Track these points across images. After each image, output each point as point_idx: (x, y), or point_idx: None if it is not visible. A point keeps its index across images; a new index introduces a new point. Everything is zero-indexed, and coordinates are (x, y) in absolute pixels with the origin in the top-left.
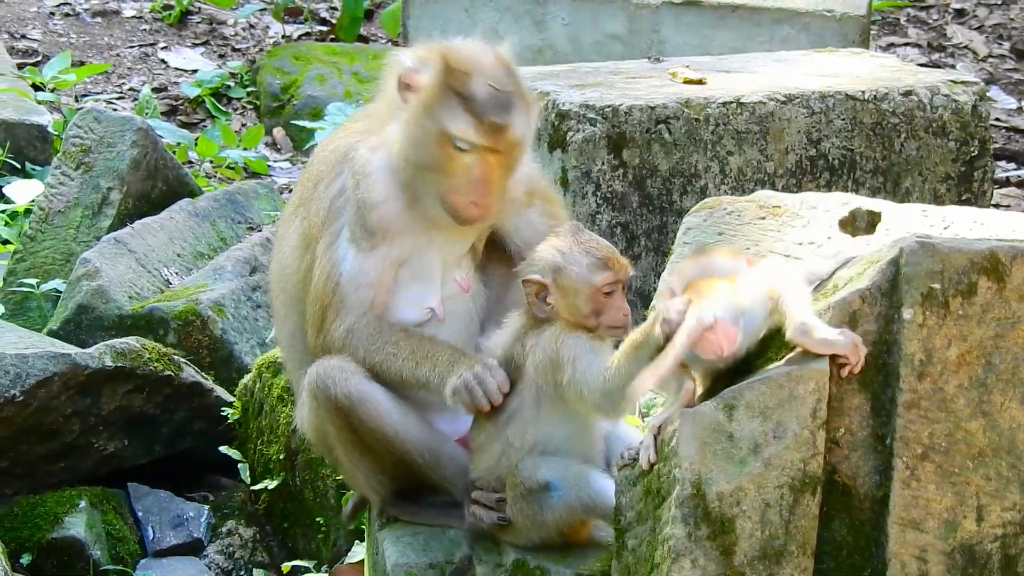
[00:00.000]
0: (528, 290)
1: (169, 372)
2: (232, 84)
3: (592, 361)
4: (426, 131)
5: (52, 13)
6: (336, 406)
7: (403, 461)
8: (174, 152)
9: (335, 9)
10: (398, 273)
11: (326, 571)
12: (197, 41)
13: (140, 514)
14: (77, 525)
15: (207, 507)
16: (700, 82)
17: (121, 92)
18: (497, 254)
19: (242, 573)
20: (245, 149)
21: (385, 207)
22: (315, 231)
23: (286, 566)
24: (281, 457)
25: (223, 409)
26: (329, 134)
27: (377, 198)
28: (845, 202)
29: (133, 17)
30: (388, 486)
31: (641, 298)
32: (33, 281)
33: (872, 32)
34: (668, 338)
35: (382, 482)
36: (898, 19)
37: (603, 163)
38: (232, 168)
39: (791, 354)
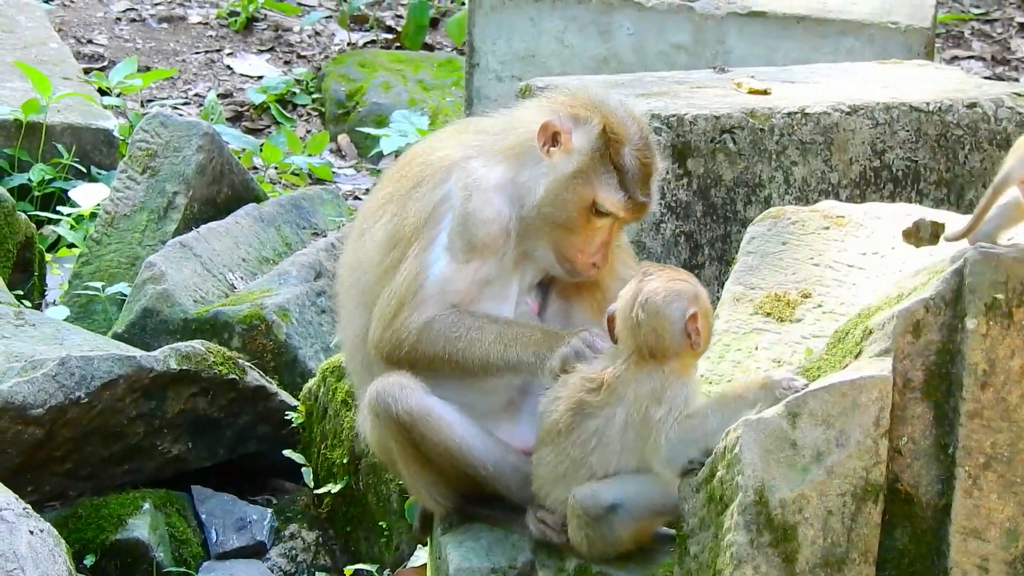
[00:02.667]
0: (691, 326)
1: (233, 376)
2: (297, 91)
3: (687, 413)
4: (575, 194)
5: (118, 18)
6: (398, 423)
7: (466, 474)
8: (239, 158)
9: (400, 17)
10: (480, 290)
11: (389, 575)
12: (263, 48)
13: (203, 516)
14: (141, 527)
15: (270, 510)
16: (765, 92)
17: (187, 98)
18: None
19: None
20: (310, 155)
21: (493, 226)
22: (408, 231)
23: (348, 570)
24: (344, 461)
25: (287, 413)
26: (429, 139)
27: (488, 216)
28: (909, 213)
29: (199, 23)
30: (451, 498)
31: None
32: (98, 284)
33: (936, 45)
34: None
35: (445, 495)
36: (962, 32)
37: (668, 172)
38: (297, 174)
39: (855, 362)
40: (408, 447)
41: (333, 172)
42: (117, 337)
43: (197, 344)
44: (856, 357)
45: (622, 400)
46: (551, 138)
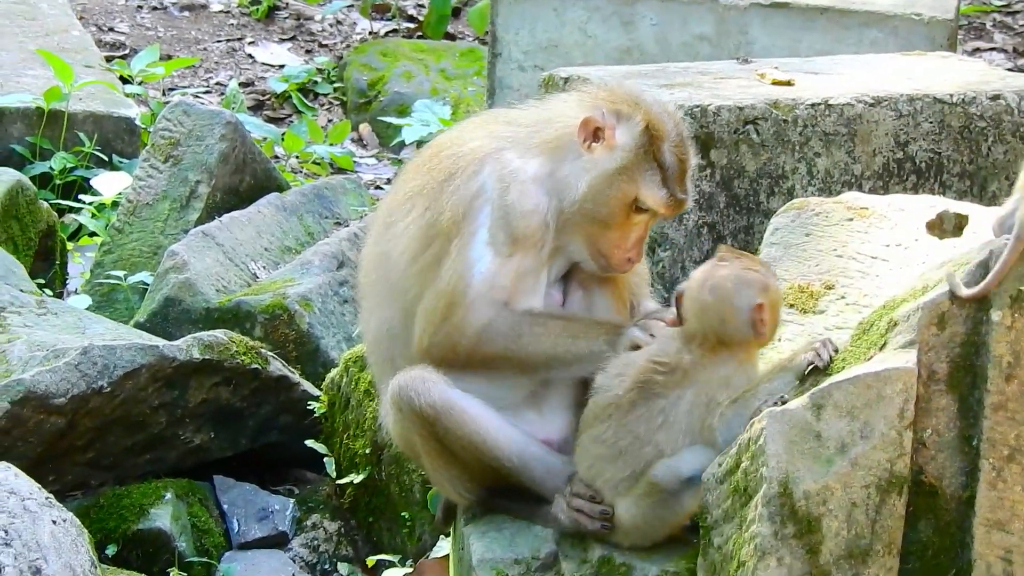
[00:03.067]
0: (757, 316)
1: (256, 365)
2: (319, 80)
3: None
4: (619, 190)
5: (140, 6)
6: (421, 417)
7: (491, 466)
8: (261, 147)
9: (422, 6)
10: (521, 283)
11: (411, 565)
12: (284, 36)
13: (225, 506)
14: (163, 517)
15: (292, 500)
16: (788, 83)
17: (208, 86)
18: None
19: (327, 567)
20: (331, 145)
21: (534, 219)
22: (445, 226)
23: (371, 560)
24: (367, 451)
25: (309, 403)
26: (456, 129)
27: (528, 208)
28: (932, 205)
29: (220, 12)
30: (475, 491)
31: None
32: (120, 273)
33: (958, 37)
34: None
35: (469, 487)
36: (984, 24)
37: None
38: (318, 163)
39: (880, 354)
40: (432, 440)
41: (354, 161)
42: (139, 326)
43: (220, 334)
44: (881, 349)
45: (694, 382)
46: (592, 134)
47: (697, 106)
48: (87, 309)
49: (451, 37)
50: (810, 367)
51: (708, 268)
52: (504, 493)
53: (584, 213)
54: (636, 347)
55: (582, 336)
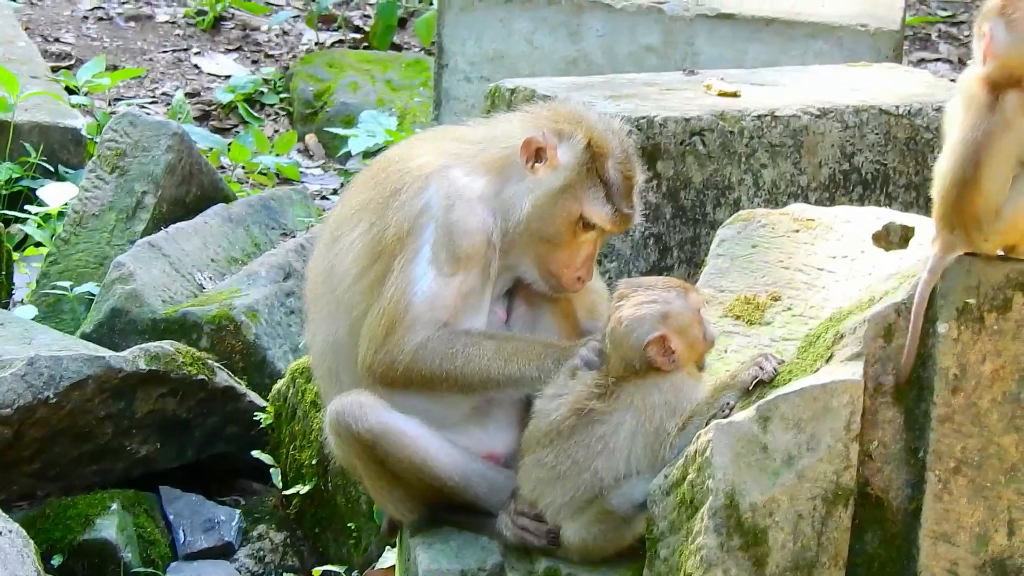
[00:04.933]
0: (654, 351)
1: (203, 376)
2: (265, 90)
3: (686, 418)
4: (563, 208)
5: (86, 17)
6: (360, 441)
7: (432, 486)
8: (207, 157)
9: (369, 17)
10: (464, 303)
11: None
12: (230, 47)
13: (171, 517)
14: (109, 527)
15: (238, 511)
16: (734, 95)
17: (154, 97)
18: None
19: None
20: (278, 155)
21: (477, 237)
22: (390, 243)
23: (317, 571)
24: (313, 462)
25: (256, 414)
26: (404, 145)
27: (472, 226)
28: (879, 216)
29: (167, 22)
30: (418, 510)
31: None
32: (66, 284)
33: (904, 47)
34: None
35: (412, 507)
36: (929, 35)
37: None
38: (264, 174)
39: (826, 366)
40: (372, 464)
41: (301, 172)
42: (85, 337)
43: (166, 344)
44: (827, 361)
45: (630, 407)
46: (534, 154)
47: (644, 117)
48: (33, 319)
49: (397, 48)
50: (755, 380)
51: (611, 309)
52: (449, 507)
53: (531, 232)
54: (575, 373)
55: (514, 359)
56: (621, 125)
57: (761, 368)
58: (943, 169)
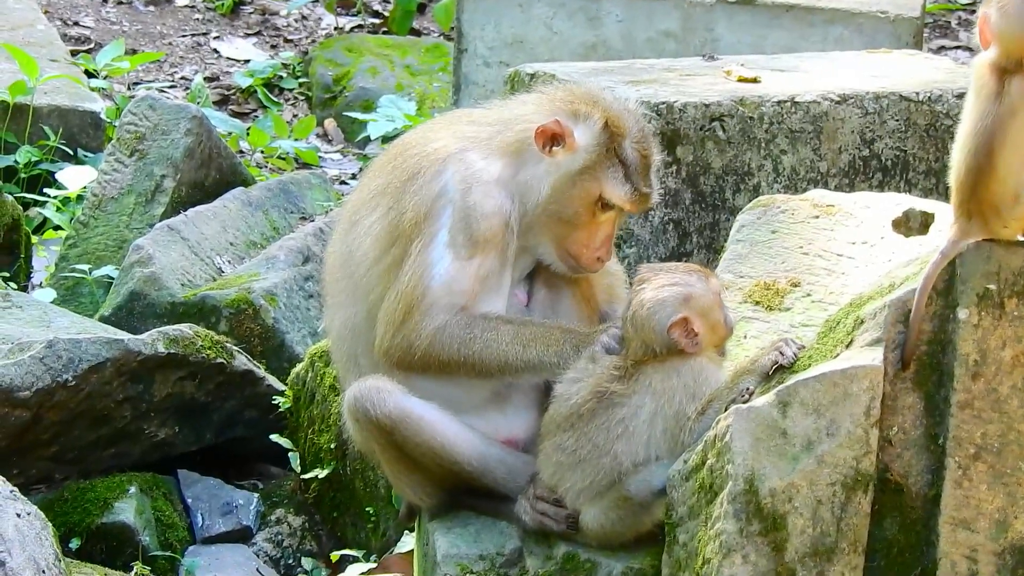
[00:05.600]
0: (677, 333)
1: (221, 360)
2: (284, 75)
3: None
4: (582, 189)
5: (105, 1)
6: (378, 427)
7: (451, 471)
8: (226, 141)
9: (388, 2)
10: (482, 286)
11: (375, 561)
12: (249, 31)
13: (189, 501)
14: (127, 511)
15: (256, 495)
16: (754, 80)
17: (173, 81)
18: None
19: (290, 561)
20: (296, 140)
21: (495, 220)
22: (407, 226)
23: (335, 555)
24: (332, 446)
25: (274, 398)
26: (421, 129)
27: (489, 210)
28: (898, 203)
29: (186, 6)
30: (437, 495)
31: None
32: (85, 267)
33: (923, 34)
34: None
35: (431, 492)
36: (949, 22)
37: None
38: (283, 158)
39: (846, 351)
40: (391, 449)
41: (319, 156)
42: (104, 320)
43: (185, 328)
44: (847, 346)
45: (650, 390)
46: (551, 139)
47: (663, 103)
48: (52, 303)
49: (416, 33)
50: (775, 366)
51: (630, 295)
52: (467, 492)
53: (549, 214)
54: (598, 360)
55: (533, 345)
56: (637, 106)
57: (781, 353)
58: (957, 158)
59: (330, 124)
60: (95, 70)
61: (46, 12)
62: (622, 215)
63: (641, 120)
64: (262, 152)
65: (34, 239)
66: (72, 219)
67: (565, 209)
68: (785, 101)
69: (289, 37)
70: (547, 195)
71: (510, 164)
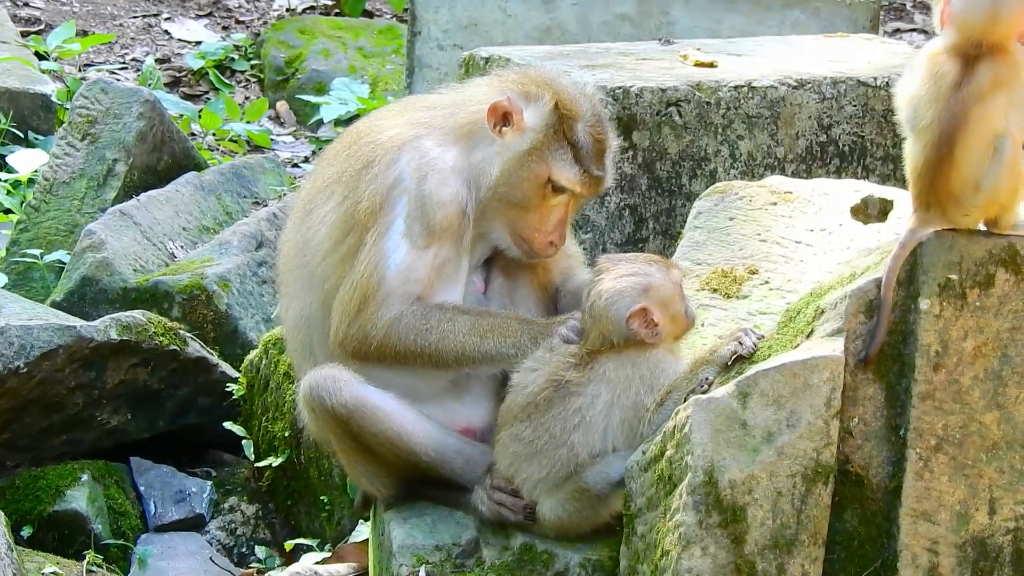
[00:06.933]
0: (636, 323)
1: (174, 347)
2: (236, 57)
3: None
4: (530, 171)
5: None
6: (334, 416)
7: (408, 461)
8: (177, 124)
9: None
10: (438, 275)
11: (329, 550)
12: (201, 13)
13: (142, 489)
14: (79, 499)
15: (210, 483)
16: (711, 65)
17: (124, 63)
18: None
19: (244, 550)
20: (248, 122)
21: (451, 209)
22: (362, 216)
23: (289, 544)
24: (286, 435)
25: (228, 385)
26: (375, 116)
27: (445, 198)
28: (857, 189)
29: None
30: (393, 485)
31: None
32: (37, 252)
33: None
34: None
35: (387, 483)
36: (904, 4)
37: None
38: (235, 141)
39: (806, 341)
40: (346, 439)
41: (272, 139)
42: (55, 305)
43: (138, 314)
44: (807, 336)
45: (605, 379)
46: (501, 118)
47: (619, 87)
48: (3, 288)
49: (369, 15)
50: (734, 356)
51: (588, 286)
52: (424, 482)
53: (500, 197)
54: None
55: (490, 335)
56: (594, 90)
57: (740, 343)
58: (915, 149)
59: (282, 107)
60: (46, 52)
61: None
62: (576, 199)
63: (597, 104)
64: (214, 135)
65: None
66: (23, 203)
67: (515, 191)
68: (742, 86)
69: (241, 18)
70: (497, 177)
71: (464, 149)
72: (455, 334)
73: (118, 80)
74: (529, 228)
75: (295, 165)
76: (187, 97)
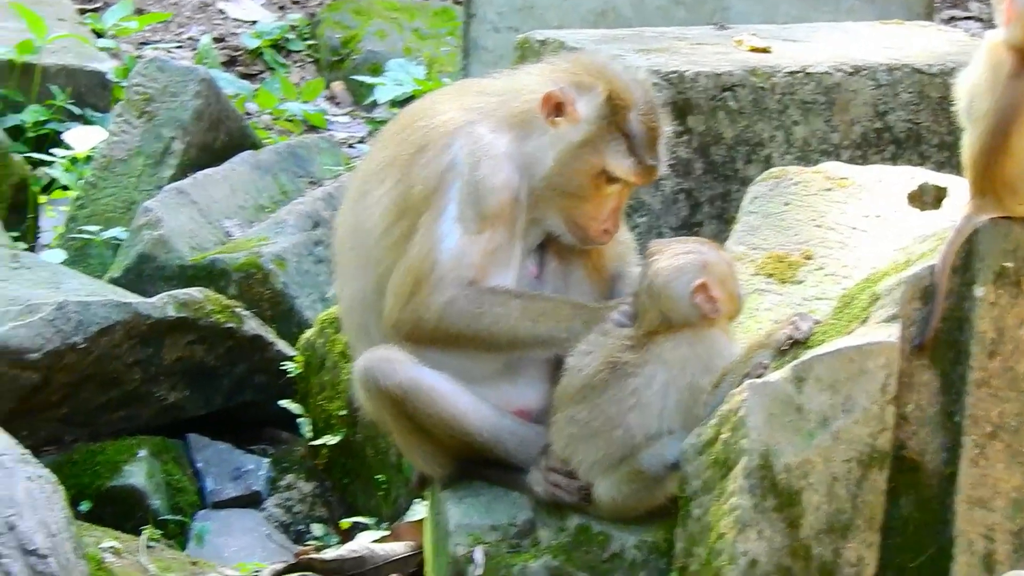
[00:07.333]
0: (700, 298)
1: (231, 324)
2: (292, 36)
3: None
4: (584, 162)
5: None
6: (388, 397)
7: (463, 441)
8: (233, 103)
9: None
10: (492, 260)
11: (386, 528)
12: None
13: (199, 465)
14: (137, 474)
15: (267, 460)
16: (766, 50)
17: (180, 42)
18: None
19: (300, 527)
20: (304, 102)
21: (504, 194)
22: (417, 200)
23: (345, 522)
24: (342, 413)
25: (284, 363)
26: (429, 100)
27: (498, 184)
28: (912, 176)
29: None
30: (448, 465)
31: None
32: (94, 228)
33: (934, 5)
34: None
35: (442, 463)
36: None
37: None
38: (291, 121)
39: (862, 327)
40: (402, 419)
41: (327, 119)
42: (113, 282)
43: (195, 291)
44: (863, 322)
45: (661, 360)
46: (554, 108)
47: (674, 72)
48: (61, 263)
49: None
50: (789, 340)
51: (643, 268)
52: (479, 463)
53: (555, 187)
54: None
55: (543, 320)
56: (646, 77)
57: (796, 328)
58: (971, 137)
59: (338, 87)
60: (103, 30)
61: None
62: (629, 187)
63: (649, 91)
64: (270, 114)
65: (42, 199)
66: (80, 179)
67: (569, 182)
68: (797, 72)
69: None
70: (551, 168)
71: (518, 136)
72: (508, 318)
73: (174, 59)
74: (584, 216)
75: (351, 145)
76: (243, 76)
